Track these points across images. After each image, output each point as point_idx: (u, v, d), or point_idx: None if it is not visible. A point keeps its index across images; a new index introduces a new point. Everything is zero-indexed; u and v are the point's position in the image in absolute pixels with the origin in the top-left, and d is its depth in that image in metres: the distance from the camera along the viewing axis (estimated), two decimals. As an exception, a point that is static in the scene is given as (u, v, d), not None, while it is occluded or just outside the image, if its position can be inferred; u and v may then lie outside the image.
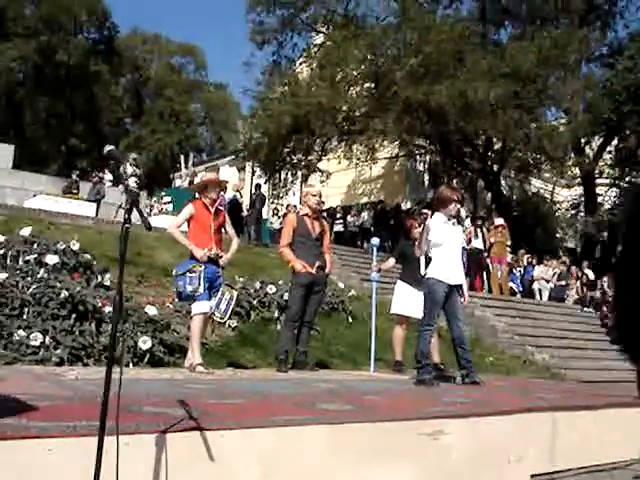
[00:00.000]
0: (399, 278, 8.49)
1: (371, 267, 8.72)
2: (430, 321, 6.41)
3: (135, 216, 2.33)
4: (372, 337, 8.07)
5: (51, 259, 8.11)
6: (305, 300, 7.25)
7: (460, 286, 6.64)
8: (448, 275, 6.40)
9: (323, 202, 7.64)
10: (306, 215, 7.38)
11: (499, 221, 17.70)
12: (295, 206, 23.38)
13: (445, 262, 6.43)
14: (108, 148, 2.58)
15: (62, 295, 6.90)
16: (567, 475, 4.38)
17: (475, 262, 16.48)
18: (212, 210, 6.48)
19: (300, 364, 7.22)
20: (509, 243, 17.50)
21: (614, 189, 25.43)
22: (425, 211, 8.51)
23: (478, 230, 16.56)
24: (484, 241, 16.61)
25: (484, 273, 16.97)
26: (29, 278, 7.37)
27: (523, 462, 4.20)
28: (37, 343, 6.16)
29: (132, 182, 16.81)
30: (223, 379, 5.67)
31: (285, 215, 18.05)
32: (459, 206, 6.72)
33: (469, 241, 16.49)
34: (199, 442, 2.78)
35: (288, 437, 3.11)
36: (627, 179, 24.63)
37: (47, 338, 6.28)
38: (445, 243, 6.47)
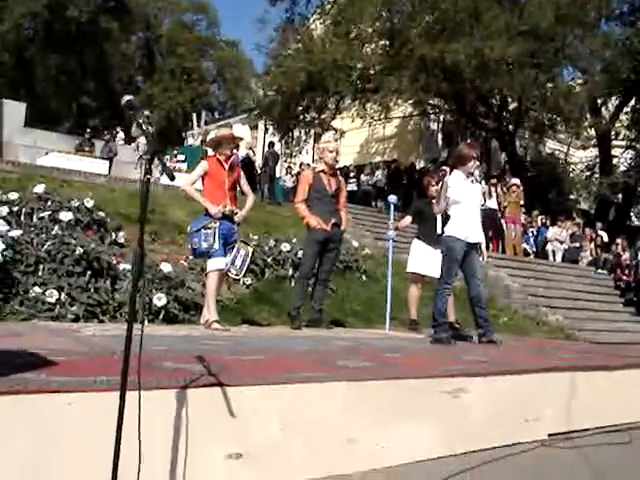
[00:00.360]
0: (415, 236, 8.46)
1: (388, 225, 8.65)
2: (448, 279, 6.36)
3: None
4: (388, 296, 8.05)
5: (65, 216, 8.10)
6: (319, 257, 7.22)
7: (479, 244, 6.59)
8: (467, 233, 6.31)
9: (337, 161, 7.52)
10: (322, 172, 7.30)
11: (514, 181, 17.58)
12: (308, 164, 23.30)
13: (464, 220, 6.34)
14: (127, 98, 2.52)
15: (77, 252, 6.90)
16: (584, 435, 4.35)
17: (490, 222, 16.40)
18: (226, 166, 6.41)
19: (315, 322, 7.20)
20: (522, 203, 17.38)
21: (630, 151, 25.12)
22: (444, 168, 8.34)
23: (492, 190, 16.45)
24: (498, 201, 16.51)
25: (499, 233, 16.85)
26: (43, 235, 7.37)
27: (541, 421, 4.19)
28: (53, 300, 6.18)
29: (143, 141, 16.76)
30: (239, 336, 5.67)
31: (299, 173, 17.99)
32: (477, 163, 6.61)
33: (483, 201, 16.41)
34: (219, 398, 2.76)
35: (307, 394, 3.08)
36: (643, 141, 24.36)
37: (62, 295, 6.30)
38: (464, 201, 6.37)
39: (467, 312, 10.30)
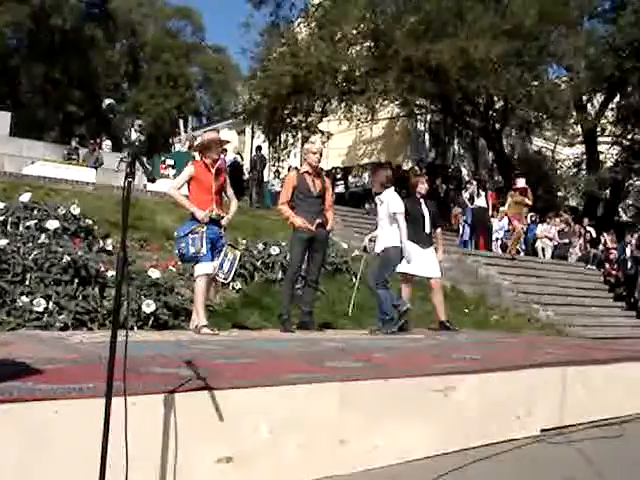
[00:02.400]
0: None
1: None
2: (388, 278, 7.51)
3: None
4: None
5: (52, 224, 8.05)
6: (305, 257, 7.25)
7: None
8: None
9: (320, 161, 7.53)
10: (306, 172, 7.30)
11: (520, 183, 17.20)
12: (296, 168, 23.25)
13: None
14: (108, 101, 2.49)
15: (64, 260, 6.84)
16: (577, 429, 4.36)
17: (479, 221, 16.48)
18: (213, 171, 6.38)
19: (305, 324, 7.18)
20: (528, 202, 16.99)
21: (616, 147, 25.25)
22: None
23: (481, 190, 16.54)
24: (487, 200, 16.57)
25: (487, 232, 16.89)
26: (30, 244, 7.31)
27: (533, 417, 4.19)
28: (40, 309, 6.12)
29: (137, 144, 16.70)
30: (229, 340, 5.64)
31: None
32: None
33: (472, 200, 16.50)
34: (207, 401, 2.74)
35: (298, 395, 3.07)
36: (629, 137, 24.45)
37: (50, 303, 6.25)
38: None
39: (457, 312, 10.34)
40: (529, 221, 18.52)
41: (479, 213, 16.49)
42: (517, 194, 16.70)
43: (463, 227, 17.34)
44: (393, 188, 7.81)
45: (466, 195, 17.41)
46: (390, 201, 7.63)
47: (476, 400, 3.86)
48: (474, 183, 17.53)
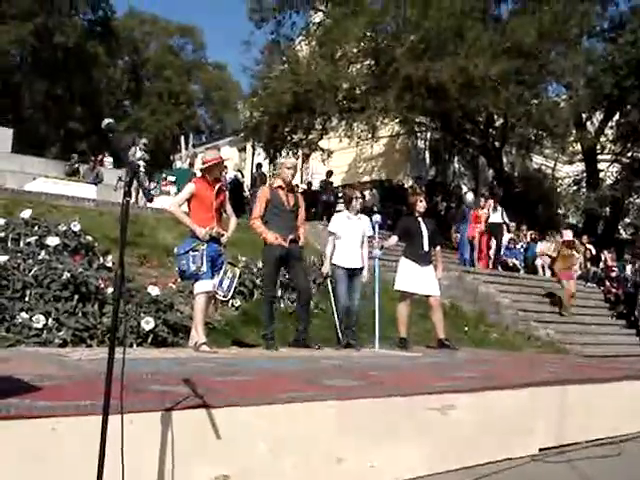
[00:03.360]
0: (403, 255, 8.47)
1: (373, 244, 8.66)
2: (339, 298, 7.77)
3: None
4: (377, 314, 8.03)
5: (52, 241, 8.06)
6: (279, 273, 7.37)
7: (360, 268, 7.90)
8: (348, 261, 7.81)
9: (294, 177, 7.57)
10: (280, 187, 7.20)
11: (567, 235, 16.22)
12: (297, 185, 23.28)
13: (345, 251, 7.85)
14: (107, 121, 2.51)
15: (64, 277, 6.85)
16: (576, 448, 4.35)
17: (493, 235, 16.51)
18: (214, 189, 6.41)
19: (299, 342, 7.13)
20: (577, 255, 16.07)
21: (616, 164, 25.29)
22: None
23: (498, 205, 16.54)
24: (502, 216, 16.59)
25: (497, 248, 16.90)
26: (30, 260, 7.31)
27: (532, 435, 4.19)
28: (40, 325, 6.12)
29: (141, 165, 16.72)
30: (228, 357, 5.64)
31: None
32: (361, 200, 8.53)
33: (487, 217, 16.44)
34: (205, 419, 2.74)
35: (296, 413, 3.07)
36: (629, 155, 24.52)
37: (50, 320, 6.25)
38: (345, 235, 7.88)
39: (456, 330, 10.33)
40: (576, 268, 18.30)
41: (494, 229, 16.49)
42: (565, 247, 15.62)
43: (460, 243, 17.27)
44: (346, 208, 8.30)
45: (470, 201, 17.25)
46: None
47: (474, 419, 3.85)
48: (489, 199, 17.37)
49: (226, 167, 10.88)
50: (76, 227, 8.68)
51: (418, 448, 3.50)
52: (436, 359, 6.71)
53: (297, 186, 10.24)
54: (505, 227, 17.00)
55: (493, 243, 16.87)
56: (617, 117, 24.36)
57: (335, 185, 23.75)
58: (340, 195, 9.41)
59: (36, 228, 8.58)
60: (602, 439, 4.61)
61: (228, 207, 6.72)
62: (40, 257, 7.48)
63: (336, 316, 7.89)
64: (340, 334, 7.74)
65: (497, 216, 16.47)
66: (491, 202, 16.76)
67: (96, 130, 39.06)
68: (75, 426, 2.42)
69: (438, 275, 8.48)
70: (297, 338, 7.19)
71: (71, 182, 18.25)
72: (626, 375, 5.51)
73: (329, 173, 22.18)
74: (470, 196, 17.57)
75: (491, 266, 16.47)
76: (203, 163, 6.70)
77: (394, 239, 8.63)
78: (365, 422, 3.30)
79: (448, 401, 3.71)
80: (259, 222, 7.13)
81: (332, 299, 7.95)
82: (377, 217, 8.90)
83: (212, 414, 2.75)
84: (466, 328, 11.27)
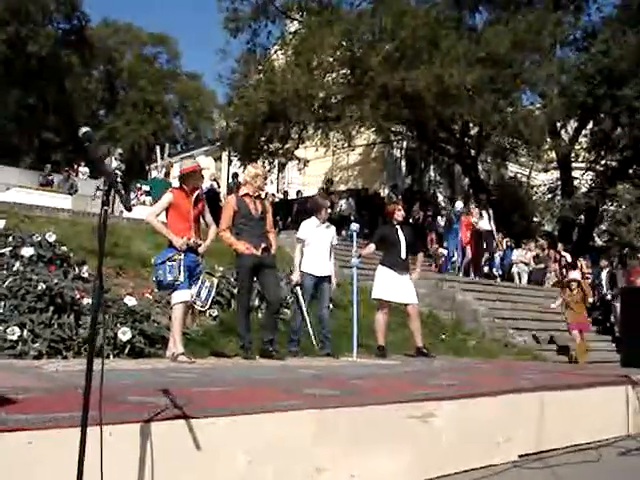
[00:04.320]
0: (380, 263, 8.48)
1: (352, 253, 8.67)
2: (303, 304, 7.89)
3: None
4: (354, 323, 8.03)
5: (27, 251, 7.97)
6: (253, 283, 7.29)
7: (328, 276, 8.06)
8: (317, 269, 7.93)
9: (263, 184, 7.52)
10: (246, 195, 7.16)
11: (573, 275, 14.41)
12: (273, 194, 23.28)
13: (314, 258, 7.95)
14: (84, 130, 2.48)
15: (39, 288, 6.77)
16: (554, 454, 4.37)
17: (481, 243, 16.51)
18: (192, 198, 6.38)
19: (266, 352, 7.01)
20: (590, 300, 13.75)
21: (590, 172, 25.57)
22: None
23: (483, 212, 16.54)
24: (490, 222, 16.60)
25: (490, 255, 16.95)
26: (4, 271, 7.25)
27: (511, 442, 4.19)
28: (15, 337, 6.03)
29: (118, 174, 16.59)
30: (206, 368, 5.60)
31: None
32: (329, 211, 8.64)
33: (473, 226, 16.42)
34: (184, 430, 2.71)
35: (275, 423, 3.05)
36: (602, 162, 24.79)
37: (25, 332, 6.16)
38: (314, 242, 7.97)
39: (433, 338, 10.36)
40: (505, 246, 18.54)
41: (484, 236, 16.48)
42: (574, 293, 12.82)
43: (449, 249, 17.27)
44: (313, 216, 8.29)
45: (459, 209, 17.22)
46: None
47: (454, 426, 3.85)
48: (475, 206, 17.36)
49: (203, 177, 10.84)
50: (51, 238, 8.60)
51: (398, 457, 3.49)
52: (414, 367, 6.71)
53: (268, 194, 10.23)
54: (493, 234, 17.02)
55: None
56: (591, 125, 24.68)
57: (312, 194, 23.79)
58: (309, 202, 9.41)
59: (10, 239, 8.49)
60: (580, 445, 4.63)
61: (207, 216, 6.68)
62: (14, 268, 7.40)
63: (308, 322, 7.91)
64: (313, 339, 7.94)
65: (485, 223, 16.50)
66: (476, 211, 16.79)
67: (71, 140, 38.84)
68: (52, 439, 2.38)
69: (413, 277, 8.45)
70: (265, 348, 7.06)
71: (45, 192, 18.10)
72: (602, 381, 5.55)
73: (329, 182, 22.30)
74: (459, 204, 17.54)
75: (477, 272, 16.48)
76: (180, 172, 6.67)
77: (371, 247, 8.65)
78: (345, 431, 3.28)
79: (428, 409, 3.71)
80: (228, 233, 7.08)
81: (303, 307, 7.92)
82: (355, 226, 8.93)
83: (191, 425, 2.72)
84: (443, 336, 11.31)
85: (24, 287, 6.78)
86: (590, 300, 13.47)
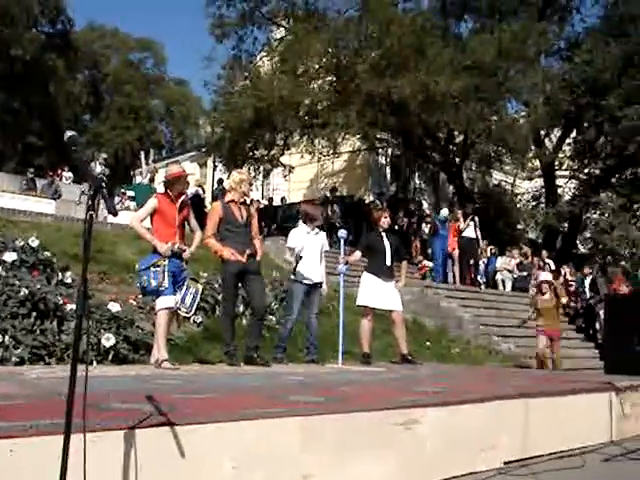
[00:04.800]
0: (365, 269, 8.47)
1: (338, 260, 8.67)
2: (290, 312, 8.00)
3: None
4: (340, 330, 8.02)
5: (9, 256, 7.90)
6: (238, 290, 7.26)
7: (319, 283, 8.09)
8: (308, 276, 7.94)
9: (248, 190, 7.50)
10: (232, 201, 7.13)
11: (543, 276, 12.74)
12: (258, 201, 23.26)
13: (306, 266, 7.95)
14: (69, 134, 2.46)
15: (22, 293, 6.72)
16: (539, 461, 4.37)
17: (466, 252, 16.51)
18: (177, 204, 6.35)
19: (250, 359, 6.96)
20: (564, 301, 12.24)
21: (573, 181, 25.77)
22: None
23: (469, 220, 16.54)
24: (475, 231, 16.60)
25: (475, 263, 16.98)
26: (-14, 277, 7.17)
27: (496, 449, 4.19)
28: (-4, 343, 5.99)
29: (103, 179, 16.47)
30: (191, 374, 5.58)
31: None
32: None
33: (460, 232, 16.40)
34: (169, 437, 2.69)
35: (260, 430, 3.03)
36: (586, 171, 24.98)
37: (7, 338, 6.12)
38: (305, 250, 7.99)
39: (418, 345, 10.36)
40: (489, 254, 18.59)
41: (467, 245, 16.48)
42: (546, 297, 11.30)
43: (435, 257, 17.26)
44: (302, 223, 8.38)
45: (445, 215, 17.21)
46: None
47: (439, 433, 3.84)
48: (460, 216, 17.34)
49: (188, 182, 10.81)
50: (34, 243, 8.53)
51: (384, 464, 3.48)
52: (399, 374, 6.70)
53: (253, 200, 10.16)
54: (477, 242, 17.03)
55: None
56: (574, 134, 24.93)
57: (297, 201, 23.82)
58: (299, 211, 9.42)
59: (-8, 244, 8.41)
60: (565, 451, 4.64)
61: (193, 221, 6.66)
62: (-4, 273, 7.33)
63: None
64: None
65: (470, 231, 16.52)
66: (461, 219, 16.77)
67: (55, 144, 38.64)
68: (35, 447, 2.35)
69: (398, 286, 8.46)
70: (250, 355, 7.01)
71: (29, 197, 17.96)
72: (586, 388, 5.56)
73: (333, 189, 22.42)
74: (445, 211, 17.55)
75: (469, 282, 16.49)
76: (166, 177, 6.63)
77: (358, 254, 8.64)
78: (330, 438, 3.27)
79: (413, 416, 3.70)
80: (213, 240, 7.05)
81: (294, 312, 8.01)
82: (342, 232, 8.91)
83: (176, 432, 2.70)
84: (428, 343, 11.31)
85: (6, 292, 6.73)
86: (564, 301, 12.13)
